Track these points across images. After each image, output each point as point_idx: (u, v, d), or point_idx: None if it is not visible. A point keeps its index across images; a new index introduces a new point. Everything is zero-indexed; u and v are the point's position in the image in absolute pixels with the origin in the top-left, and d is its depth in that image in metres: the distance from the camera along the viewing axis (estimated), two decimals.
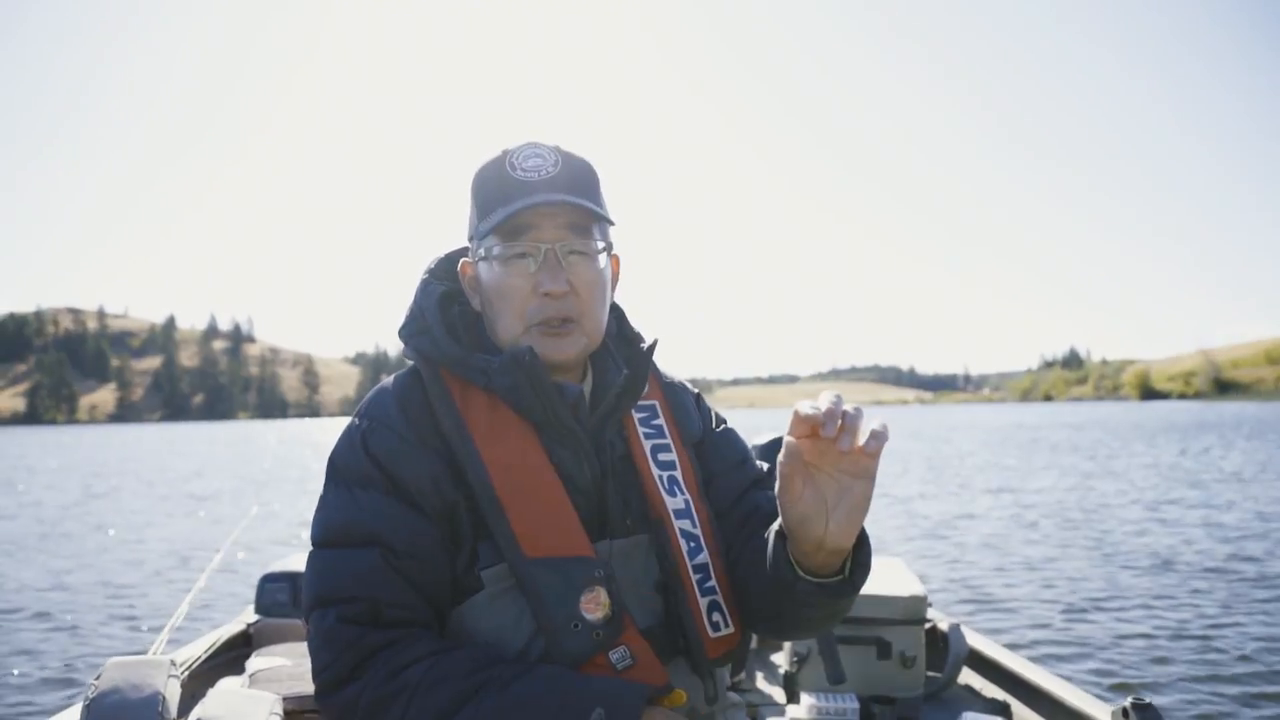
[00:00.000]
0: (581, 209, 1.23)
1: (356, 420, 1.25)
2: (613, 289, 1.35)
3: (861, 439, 1.03)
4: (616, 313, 1.40)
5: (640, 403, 1.36)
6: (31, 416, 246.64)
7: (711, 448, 1.40)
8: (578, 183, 1.25)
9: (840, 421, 1.02)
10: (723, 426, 1.44)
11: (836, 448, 1.02)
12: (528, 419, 1.24)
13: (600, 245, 1.27)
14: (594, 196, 1.27)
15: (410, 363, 1.31)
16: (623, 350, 1.37)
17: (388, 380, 1.29)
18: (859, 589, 1.17)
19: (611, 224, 1.29)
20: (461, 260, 1.34)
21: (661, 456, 1.33)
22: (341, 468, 1.22)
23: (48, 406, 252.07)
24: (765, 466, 1.43)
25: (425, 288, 1.33)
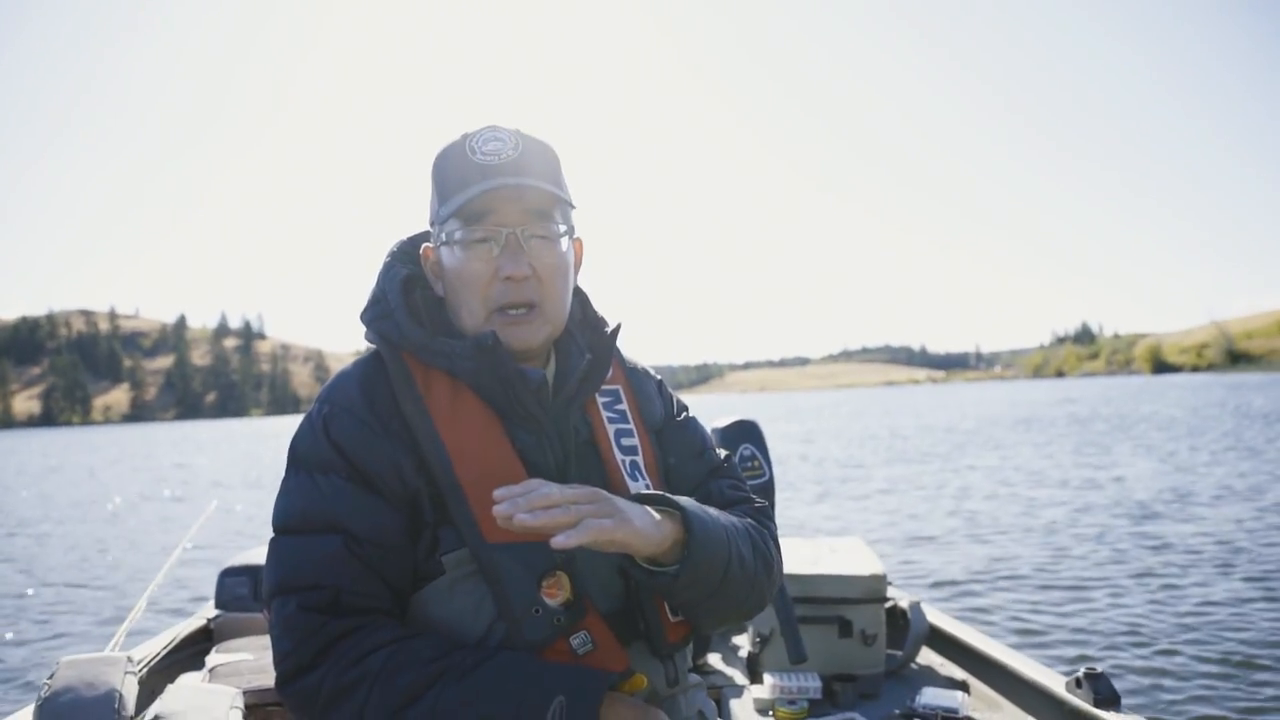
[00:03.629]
0: (542, 192, 1.22)
1: (318, 406, 1.23)
2: (576, 273, 1.34)
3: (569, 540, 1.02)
4: (580, 297, 1.39)
5: (604, 387, 1.35)
6: (47, 419, 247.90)
7: (672, 436, 1.40)
8: (538, 166, 1.24)
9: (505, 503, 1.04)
10: (684, 415, 1.44)
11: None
12: (490, 404, 1.23)
13: (562, 229, 1.26)
14: (555, 179, 1.26)
15: (373, 347, 1.29)
16: (586, 335, 1.36)
17: (349, 365, 1.28)
18: (690, 575, 1.16)
19: (573, 207, 1.28)
20: (423, 246, 1.33)
21: (624, 441, 1.32)
22: (303, 453, 1.21)
23: (62, 408, 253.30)
24: (724, 454, 1.43)
25: (388, 271, 1.32)
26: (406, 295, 1.30)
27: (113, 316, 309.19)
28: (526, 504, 1.03)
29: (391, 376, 1.24)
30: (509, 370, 1.21)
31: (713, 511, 1.23)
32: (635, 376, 1.43)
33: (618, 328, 1.35)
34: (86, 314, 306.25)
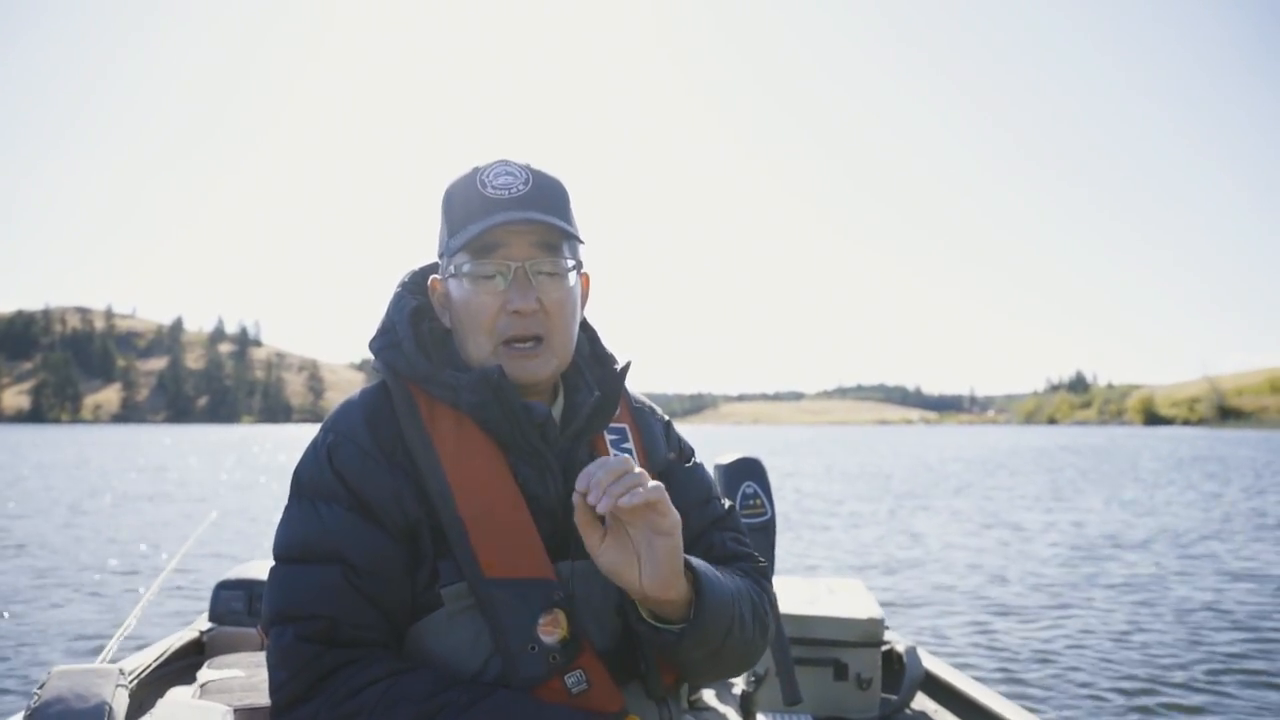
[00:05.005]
0: (552, 227, 1.24)
1: (322, 434, 1.25)
2: (583, 308, 1.35)
3: (626, 500, 1.07)
4: (589, 333, 1.40)
5: (611, 425, 1.35)
6: (35, 415, 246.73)
7: (678, 483, 1.39)
8: (548, 201, 1.25)
9: (587, 484, 1.08)
10: (691, 462, 1.44)
11: (592, 507, 1.08)
12: (495, 437, 1.24)
13: (570, 264, 1.27)
14: (564, 215, 1.27)
15: (380, 376, 1.30)
16: (595, 371, 1.37)
17: (355, 393, 1.29)
18: (693, 637, 1.17)
19: (581, 242, 1.29)
20: (431, 277, 1.34)
21: None
22: (306, 482, 1.22)
23: (52, 405, 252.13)
24: (728, 504, 1.43)
25: (398, 301, 1.33)
26: (415, 326, 1.31)
27: (109, 315, 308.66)
28: (621, 488, 1.07)
29: (397, 407, 1.25)
30: (514, 404, 1.22)
31: (718, 574, 1.24)
32: (642, 415, 1.43)
33: (627, 365, 1.36)
34: (83, 311, 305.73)
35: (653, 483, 1.10)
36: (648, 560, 1.10)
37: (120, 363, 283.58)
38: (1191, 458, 39.83)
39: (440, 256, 1.32)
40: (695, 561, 1.19)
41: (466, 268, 1.24)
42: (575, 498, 1.11)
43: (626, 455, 1.14)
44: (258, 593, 2.69)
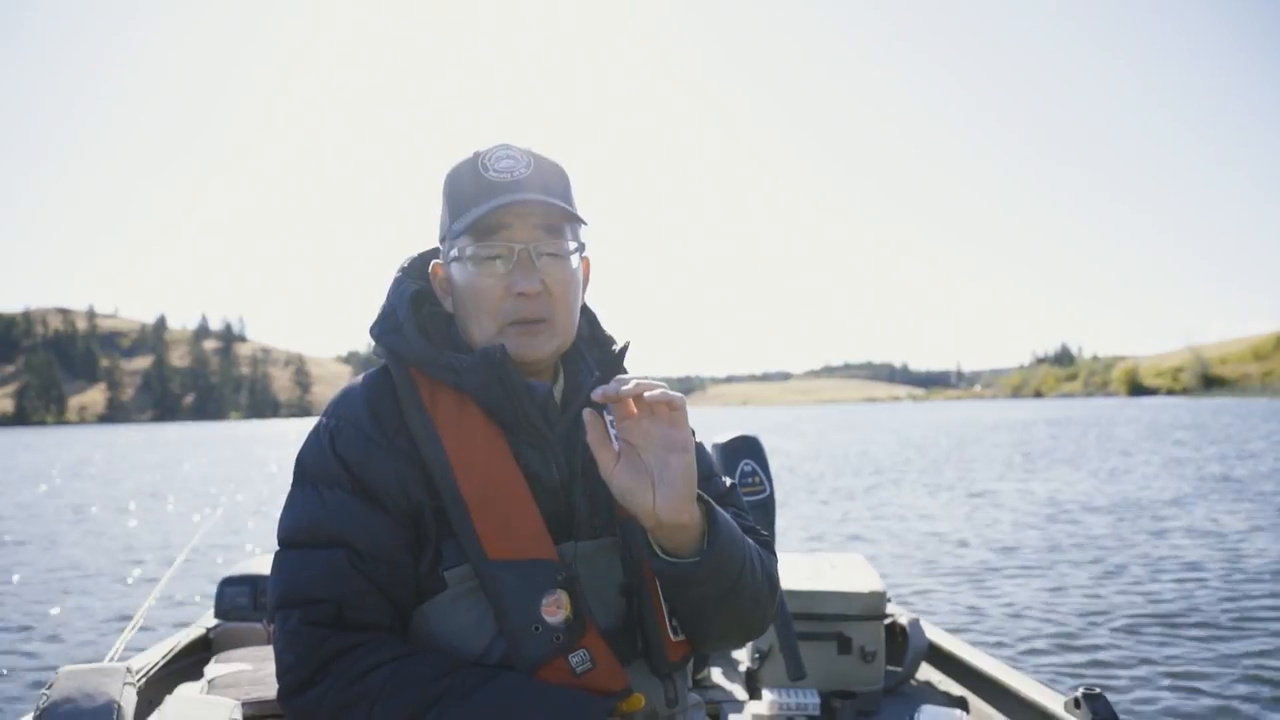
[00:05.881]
0: (554, 209, 1.24)
1: (324, 419, 1.25)
2: (584, 290, 1.35)
3: (650, 394, 1.09)
4: (589, 315, 1.40)
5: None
6: (20, 418, 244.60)
7: None
8: (550, 184, 1.26)
9: (602, 395, 1.10)
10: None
11: (609, 425, 1.11)
12: (496, 419, 1.24)
13: (573, 246, 1.28)
14: (566, 197, 1.27)
15: (382, 361, 1.31)
16: (594, 353, 1.37)
17: (357, 379, 1.29)
18: (710, 566, 1.16)
19: (584, 224, 1.29)
20: (432, 262, 1.34)
21: None
22: (309, 467, 1.23)
23: (36, 408, 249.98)
24: (729, 482, 1.44)
25: (398, 286, 1.33)
26: (415, 311, 1.31)
27: (91, 315, 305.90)
28: (644, 388, 1.09)
29: (399, 390, 1.25)
30: (515, 384, 1.22)
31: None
32: None
33: (626, 346, 1.37)
34: (64, 312, 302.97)
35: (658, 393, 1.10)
36: (662, 482, 1.10)
37: (104, 363, 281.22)
38: (1170, 426, 40.37)
39: (441, 241, 1.31)
40: (702, 494, 1.19)
41: (469, 251, 1.24)
42: (586, 414, 1.12)
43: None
44: (262, 587, 2.71)
